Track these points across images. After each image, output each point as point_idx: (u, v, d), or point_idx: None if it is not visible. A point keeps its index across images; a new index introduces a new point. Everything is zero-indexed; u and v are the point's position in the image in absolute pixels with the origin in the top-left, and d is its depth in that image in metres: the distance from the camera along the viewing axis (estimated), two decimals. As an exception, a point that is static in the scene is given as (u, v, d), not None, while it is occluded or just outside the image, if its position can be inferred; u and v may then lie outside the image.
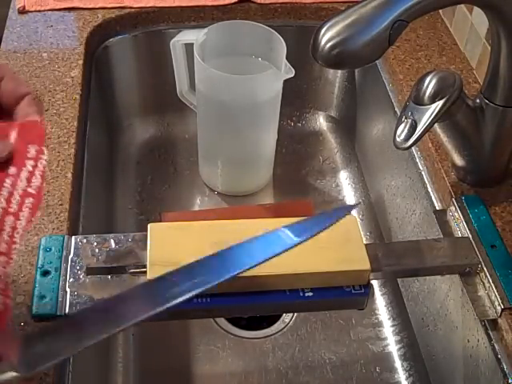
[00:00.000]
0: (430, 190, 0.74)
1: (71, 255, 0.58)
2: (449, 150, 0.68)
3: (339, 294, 0.57)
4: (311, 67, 1.01)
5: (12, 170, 0.39)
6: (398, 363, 0.80)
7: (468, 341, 0.65)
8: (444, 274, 0.65)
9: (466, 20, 0.85)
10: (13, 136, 0.39)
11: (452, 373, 0.70)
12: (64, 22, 0.90)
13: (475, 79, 0.82)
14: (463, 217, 0.66)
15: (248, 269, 0.48)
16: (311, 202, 0.94)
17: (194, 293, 0.45)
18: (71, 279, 0.56)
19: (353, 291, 0.57)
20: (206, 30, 0.83)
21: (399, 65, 0.85)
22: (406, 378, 0.78)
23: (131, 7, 0.93)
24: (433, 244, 0.62)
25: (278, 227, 0.51)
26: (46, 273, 0.57)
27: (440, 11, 0.94)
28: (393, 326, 0.83)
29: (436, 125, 0.63)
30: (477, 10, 0.78)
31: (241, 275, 0.55)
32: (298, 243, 0.49)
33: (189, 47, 0.85)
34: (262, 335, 0.81)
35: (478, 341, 0.62)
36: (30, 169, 0.39)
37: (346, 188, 0.98)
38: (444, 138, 0.66)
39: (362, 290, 0.57)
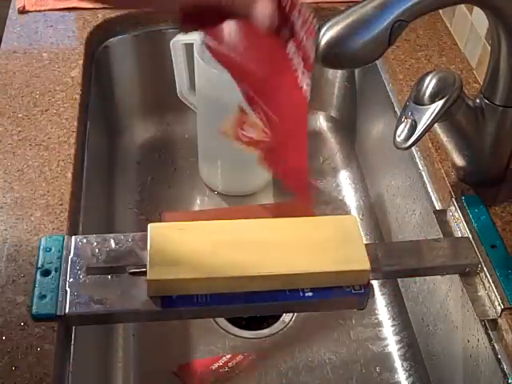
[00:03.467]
0: (429, 190, 0.74)
1: (71, 255, 0.58)
2: (449, 150, 0.68)
3: (339, 294, 0.57)
4: (311, 67, 1.01)
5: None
6: (398, 363, 0.80)
7: (468, 341, 0.65)
8: (444, 274, 0.65)
9: (466, 20, 0.85)
10: None
11: (452, 373, 0.70)
12: (64, 22, 0.90)
13: (475, 79, 0.82)
14: (463, 217, 0.66)
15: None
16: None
17: None
18: (71, 279, 0.56)
19: (353, 291, 0.57)
20: (206, 29, 0.83)
21: (399, 65, 0.85)
22: (406, 378, 0.78)
23: (131, 7, 0.93)
24: (433, 244, 0.62)
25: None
26: (46, 273, 0.57)
27: (440, 11, 0.93)
28: (393, 326, 0.83)
29: (436, 125, 0.63)
30: (477, 9, 0.78)
31: (241, 275, 0.55)
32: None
33: (189, 47, 0.85)
34: (262, 335, 0.81)
35: (478, 341, 0.62)
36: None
37: (346, 188, 0.98)
38: (444, 138, 0.66)
39: (362, 290, 0.57)
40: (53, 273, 0.57)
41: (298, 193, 0.47)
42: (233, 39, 0.42)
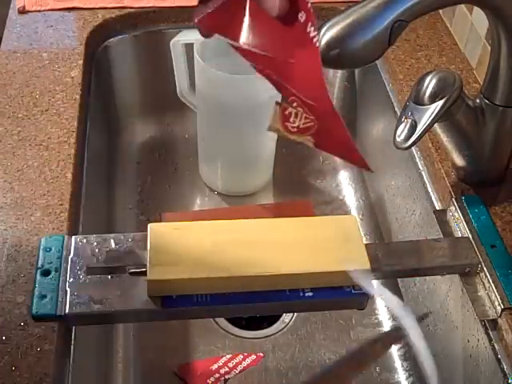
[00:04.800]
0: (429, 190, 0.74)
1: (71, 255, 0.58)
2: (449, 150, 0.68)
3: (339, 294, 0.57)
4: (311, 67, 1.01)
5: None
6: (397, 363, 0.80)
7: (468, 341, 0.65)
8: (444, 274, 0.65)
9: (466, 20, 0.85)
10: None
11: (452, 373, 0.70)
12: (64, 22, 0.90)
13: (475, 79, 0.82)
14: (463, 217, 0.66)
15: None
16: (311, 202, 0.94)
17: None
18: (71, 279, 0.56)
19: (353, 291, 0.57)
20: (206, 30, 0.83)
21: (399, 65, 0.85)
22: (406, 378, 0.78)
23: (131, 7, 0.93)
24: (433, 244, 0.62)
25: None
26: (46, 273, 0.57)
27: (440, 11, 0.93)
28: (393, 326, 0.83)
29: (436, 125, 0.63)
30: (477, 9, 0.78)
31: (241, 275, 0.55)
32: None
33: (189, 47, 0.85)
34: (262, 335, 0.81)
35: (478, 341, 0.62)
36: None
37: (346, 188, 0.98)
38: (444, 138, 0.66)
39: (362, 290, 0.57)
40: (53, 273, 0.57)
41: (356, 163, 0.48)
42: (252, 32, 0.42)
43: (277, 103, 0.46)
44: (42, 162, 0.69)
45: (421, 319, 0.78)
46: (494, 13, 0.58)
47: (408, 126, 0.61)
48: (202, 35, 0.46)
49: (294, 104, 0.44)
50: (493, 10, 0.58)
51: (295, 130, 0.46)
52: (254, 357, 0.78)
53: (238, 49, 0.42)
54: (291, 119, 0.45)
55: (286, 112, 0.45)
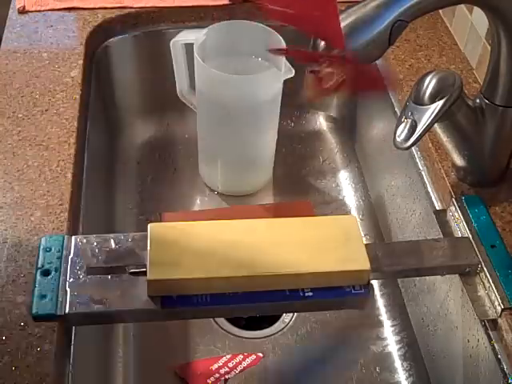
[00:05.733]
0: (429, 190, 0.74)
1: (71, 255, 0.58)
2: (449, 150, 0.68)
3: (339, 294, 0.57)
4: (311, 67, 1.01)
5: None
6: (398, 363, 0.79)
7: (468, 341, 0.65)
8: (444, 274, 0.65)
9: (465, 20, 0.85)
10: None
11: (452, 373, 0.70)
12: (64, 22, 0.90)
13: (475, 79, 0.82)
14: (463, 217, 0.66)
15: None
16: (311, 202, 0.94)
17: None
18: (71, 279, 0.56)
19: (353, 291, 0.57)
20: (205, 30, 0.83)
21: (399, 65, 0.85)
22: (406, 378, 0.78)
23: (131, 7, 0.93)
24: (433, 244, 0.62)
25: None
26: (46, 273, 0.57)
27: (440, 11, 0.94)
28: (393, 326, 0.83)
29: (436, 125, 0.63)
30: (477, 9, 0.78)
31: (241, 275, 0.55)
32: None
33: (189, 47, 0.85)
34: (262, 335, 0.81)
35: (478, 341, 0.62)
36: None
37: (346, 188, 0.98)
38: (444, 137, 0.66)
39: (362, 290, 0.57)
40: (53, 273, 0.57)
41: (389, 85, 0.51)
42: None
43: (309, 72, 0.49)
44: (41, 162, 0.69)
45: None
46: (494, 13, 0.58)
47: (408, 126, 0.61)
48: (233, 2, 0.50)
49: (324, 65, 0.47)
50: (493, 10, 0.58)
51: (331, 88, 0.49)
52: (254, 357, 0.78)
53: (266, 9, 0.46)
54: (324, 80, 0.48)
55: (318, 75, 0.48)
